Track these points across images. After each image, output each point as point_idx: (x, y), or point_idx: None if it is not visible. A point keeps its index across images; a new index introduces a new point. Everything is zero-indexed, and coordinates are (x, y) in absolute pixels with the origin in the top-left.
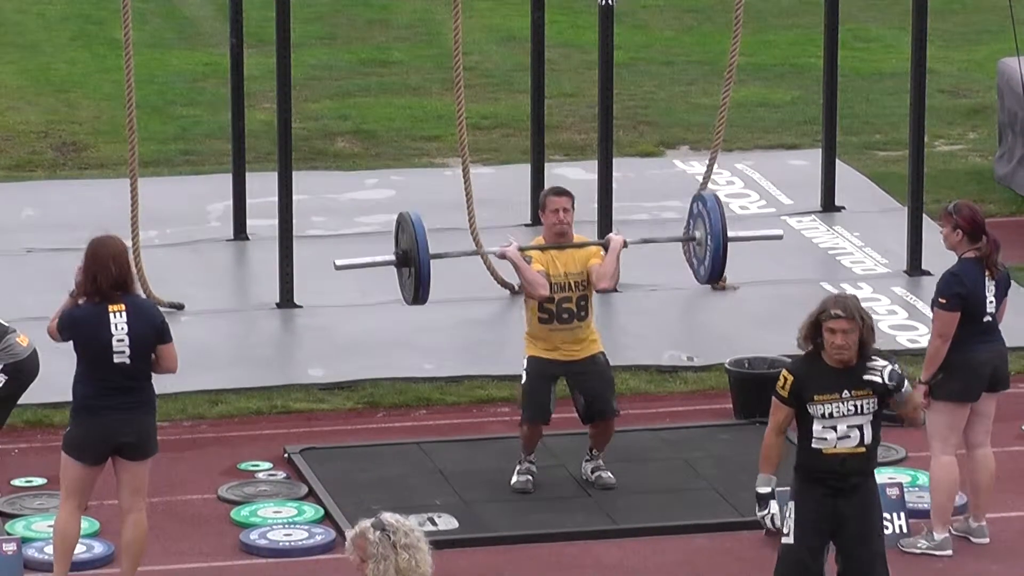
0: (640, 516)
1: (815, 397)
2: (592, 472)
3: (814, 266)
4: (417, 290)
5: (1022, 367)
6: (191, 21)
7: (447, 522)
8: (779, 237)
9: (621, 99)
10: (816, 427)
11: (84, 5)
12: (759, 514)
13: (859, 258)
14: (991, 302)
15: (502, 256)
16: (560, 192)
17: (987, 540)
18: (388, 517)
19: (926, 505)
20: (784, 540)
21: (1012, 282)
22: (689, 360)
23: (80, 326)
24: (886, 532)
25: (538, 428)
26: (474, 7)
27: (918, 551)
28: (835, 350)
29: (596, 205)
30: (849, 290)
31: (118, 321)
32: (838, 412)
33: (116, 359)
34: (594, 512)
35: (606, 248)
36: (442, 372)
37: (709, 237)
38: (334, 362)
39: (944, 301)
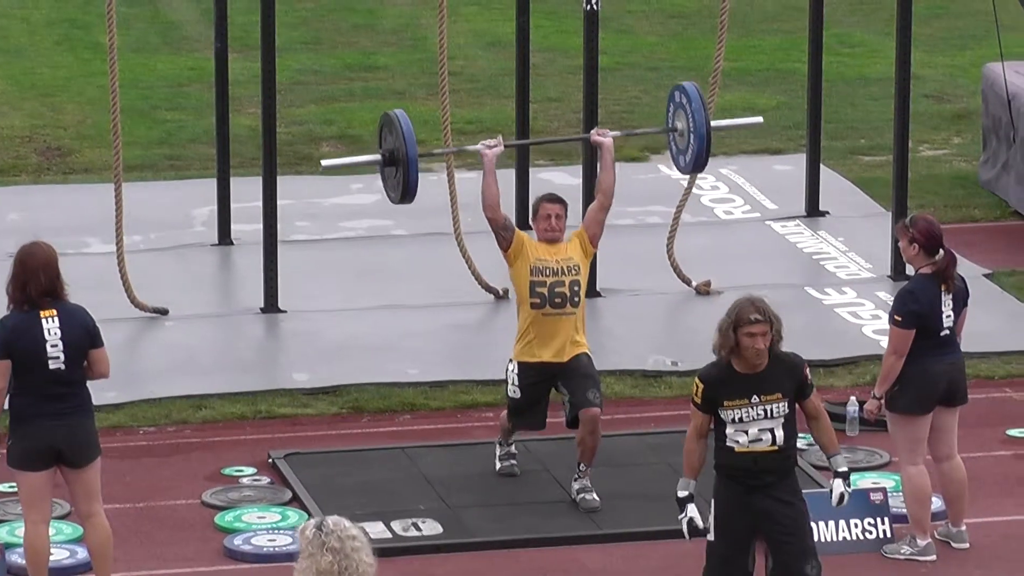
0: (624, 521)
1: (725, 403)
2: (578, 493)
3: (798, 271)
4: (405, 187)
5: (1005, 372)
6: (176, 25)
7: (431, 527)
8: (759, 124)
9: (606, 104)
10: (729, 430)
11: (69, 9)
12: (678, 517)
13: (843, 263)
14: (948, 316)
15: (483, 156)
16: (553, 199)
17: (967, 545)
18: (331, 519)
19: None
20: (708, 538)
21: (970, 292)
22: (674, 365)
23: (13, 334)
24: (869, 537)
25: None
26: (459, 12)
27: (902, 557)
28: (754, 354)
29: (581, 209)
30: (833, 295)
31: (51, 327)
32: (748, 416)
33: (52, 365)
34: (578, 517)
35: (595, 149)
36: (427, 377)
37: (692, 126)
38: (318, 367)
39: (899, 318)
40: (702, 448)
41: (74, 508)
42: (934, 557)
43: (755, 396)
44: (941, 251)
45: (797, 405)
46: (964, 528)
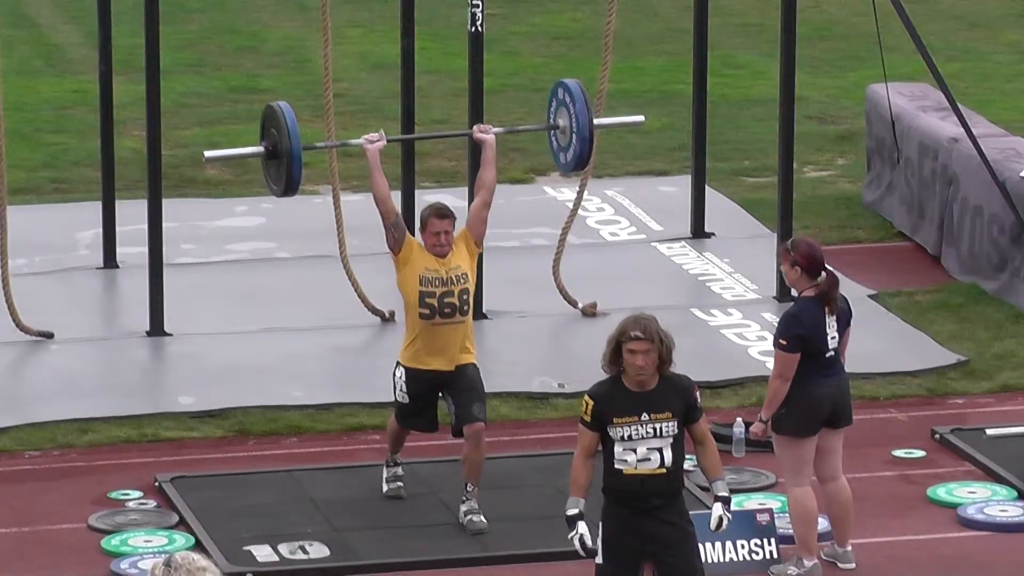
0: (511, 543)
1: (614, 420)
2: (465, 515)
3: (684, 292)
4: (288, 181)
5: (890, 393)
6: (59, 48)
7: (318, 550)
8: (641, 123)
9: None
10: (617, 449)
11: None
12: (568, 535)
13: (729, 284)
14: (832, 338)
15: (365, 151)
16: (442, 214)
17: (853, 565)
18: (179, 554)
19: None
20: (596, 560)
21: (853, 312)
22: (560, 387)
23: None
24: (756, 557)
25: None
26: (344, 34)
27: None
28: (635, 371)
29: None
30: (719, 316)
31: None
32: (637, 435)
33: None
34: (465, 540)
35: (479, 145)
36: (312, 400)
37: (575, 125)
38: (204, 390)
39: (784, 342)
40: (589, 467)
41: None
42: None
43: (645, 414)
44: (823, 273)
45: (685, 428)
46: (850, 548)
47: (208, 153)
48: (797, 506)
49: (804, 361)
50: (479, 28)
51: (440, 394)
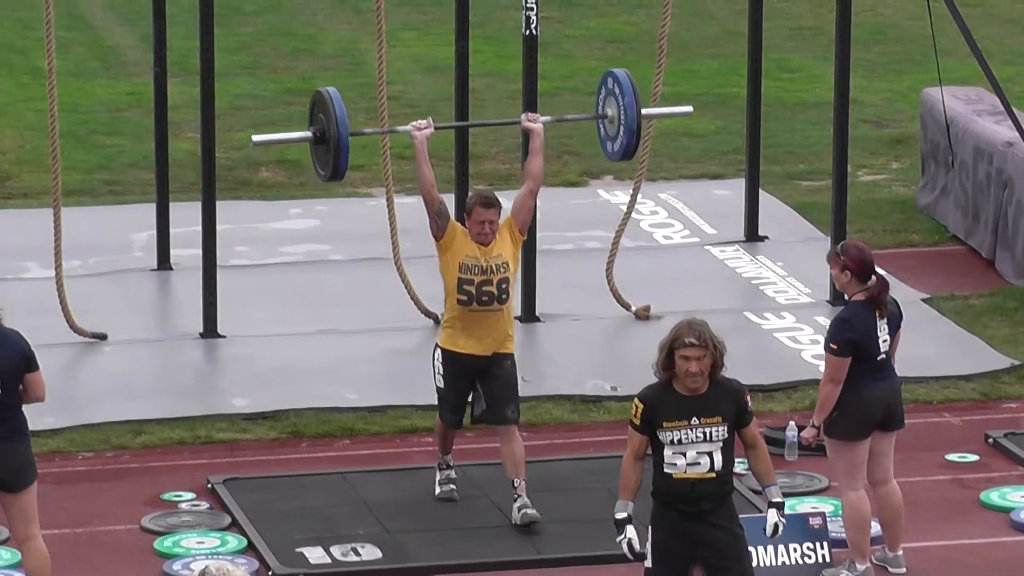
0: (563, 546)
1: (664, 424)
2: (519, 511)
3: (737, 295)
4: (335, 168)
5: (943, 396)
6: (114, 50)
7: (371, 552)
8: (688, 113)
9: (546, 129)
10: (667, 453)
11: (7, 34)
12: (617, 539)
13: (782, 288)
14: (884, 341)
15: (412, 138)
16: (488, 203)
17: (904, 570)
18: (213, 565)
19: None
20: (646, 564)
21: (904, 315)
22: (613, 389)
23: None
24: (808, 561)
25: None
26: (399, 36)
27: None
28: (688, 377)
29: None
30: (772, 320)
31: None
32: (687, 439)
33: None
34: (518, 541)
35: (526, 136)
36: (365, 402)
37: (623, 117)
38: (257, 392)
39: (835, 347)
40: (639, 470)
41: (11, 533)
42: None
43: (695, 418)
44: (873, 277)
45: (736, 433)
46: (901, 553)
47: (256, 137)
48: (851, 510)
49: (855, 365)
50: (533, 31)
51: (476, 384)
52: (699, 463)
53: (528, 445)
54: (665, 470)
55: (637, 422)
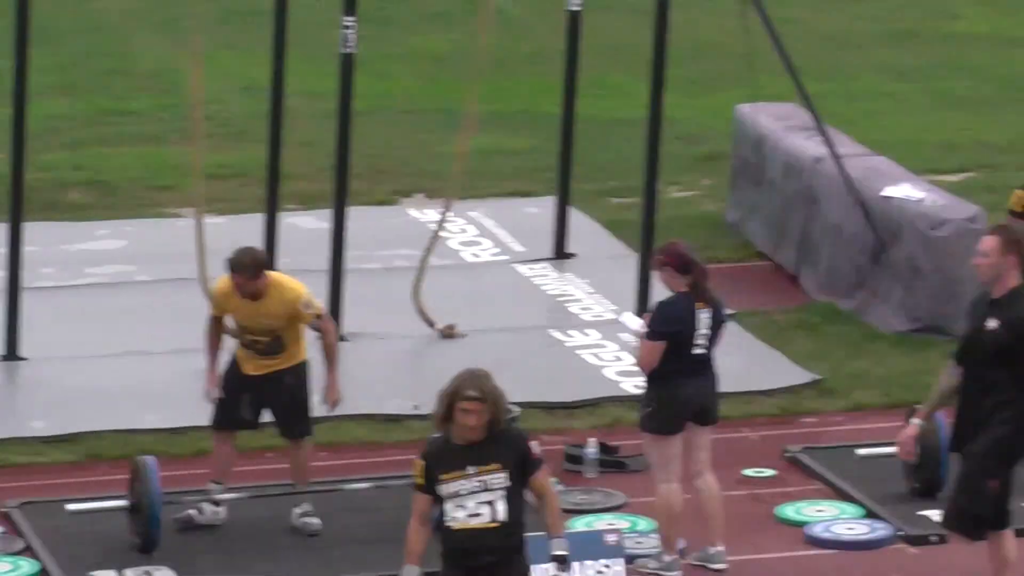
0: (363, 565)
1: (441, 476)
2: (299, 518)
3: (543, 313)
4: (145, 540)
5: (743, 412)
6: None
7: (165, 575)
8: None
9: (359, 148)
10: (447, 506)
11: None
12: None
13: (588, 304)
14: (703, 334)
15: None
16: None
17: (725, 565)
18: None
19: (645, 551)
20: None
21: (727, 318)
22: (415, 408)
23: None
24: None
25: (226, 441)
26: (216, 56)
27: (648, 571)
28: (466, 430)
29: (330, 255)
30: (576, 337)
31: None
32: (464, 489)
33: None
34: (316, 562)
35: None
36: (166, 423)
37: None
38: (57, 414)
39: (653, 330)
40: (424, 534)
41: None
42: (679, 573)
43: (470, 467)
44: (693, 267)
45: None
46: (722, 548)
47: (71, 507)
48: (661, 500)
49: (671, 360)
50: (350, 49)
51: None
52: (480, 513)
53: (329, 465)
54: (446, 523)
55: (421, 481)
